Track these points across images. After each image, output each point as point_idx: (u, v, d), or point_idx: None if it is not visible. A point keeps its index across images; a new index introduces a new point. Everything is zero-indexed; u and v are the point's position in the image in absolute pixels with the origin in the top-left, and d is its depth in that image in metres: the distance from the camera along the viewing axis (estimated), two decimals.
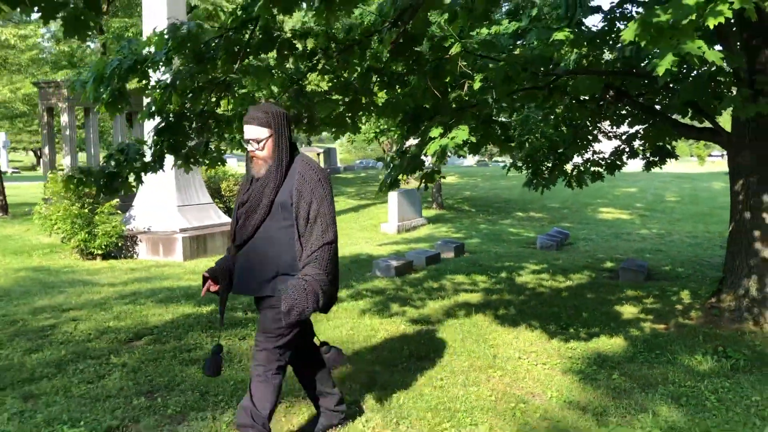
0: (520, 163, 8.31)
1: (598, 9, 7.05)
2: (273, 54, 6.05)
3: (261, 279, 3.02)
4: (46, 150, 15.32)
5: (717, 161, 50.13)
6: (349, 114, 6.96)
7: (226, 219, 11.56)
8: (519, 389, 4.24)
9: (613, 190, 23.79)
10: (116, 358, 4.71)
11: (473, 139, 6.02)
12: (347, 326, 5.65)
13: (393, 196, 13.93)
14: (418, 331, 5.58)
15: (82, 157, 16.15)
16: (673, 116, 6.90)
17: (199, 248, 10.25)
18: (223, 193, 12.87)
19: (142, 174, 5.56)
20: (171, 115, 5.50)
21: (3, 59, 13.55)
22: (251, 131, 2.99)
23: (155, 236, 10.29)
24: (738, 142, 5.65)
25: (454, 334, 5.45)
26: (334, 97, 6.88)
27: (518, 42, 7.55)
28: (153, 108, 5.35)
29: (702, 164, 42.02)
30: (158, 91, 5.30)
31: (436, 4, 6.26)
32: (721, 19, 2.85)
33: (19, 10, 3.74)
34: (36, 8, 4.02)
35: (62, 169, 11.41)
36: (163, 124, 5.41)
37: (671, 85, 6.32)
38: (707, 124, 6.46)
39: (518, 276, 8.46)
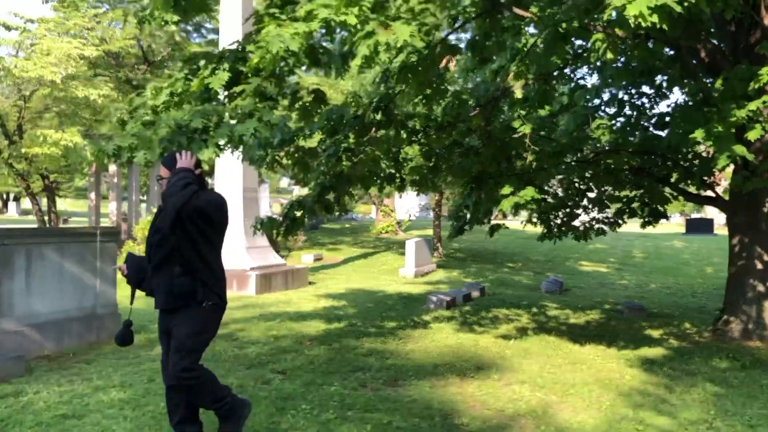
0: (534, 219, 10.24)
1: (615, 98, 9.20)
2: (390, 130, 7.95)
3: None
4: (93, 195, 16.77)
5: (665, 223, 53.79)
6: (431, 176, 8.92)
7: (281, 261, 13.24)
8: (604, 375, 6.09)
9: (585, 247, 26.07)
10: (308, 351, 6.41)
11: (539, 196, 7.91)
12: (453, 338, 7.44)
13: (411, 244, 15.78)
14: (507, 341, 7.39)
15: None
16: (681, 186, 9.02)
17: (265, 284, 11.80)
18: (274, 239, 14.49)
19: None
20: (332, 176, 7.30)
21: (73, 112, 15.08)
22: (161, 170, 3.65)
23: (230, 273, 11.82)
24: (735, 207, 7.74)
25: (534, 344, 7.30)
26: (420, 164, 8.82)
27: (551, 121, 9.50)
28: (321, 169, 7.17)
29: (655, 226, 45.34)
30: (325, 158, 7.14)
31: (510, 97, 8.39)
32: (758, 134, 4.92)
33: None
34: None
35: None
36: (328, 183, 7.21)
37: (684, 164, 8.43)
38: (709, 192, 8.59)
39: (548, 310, 10.37)
